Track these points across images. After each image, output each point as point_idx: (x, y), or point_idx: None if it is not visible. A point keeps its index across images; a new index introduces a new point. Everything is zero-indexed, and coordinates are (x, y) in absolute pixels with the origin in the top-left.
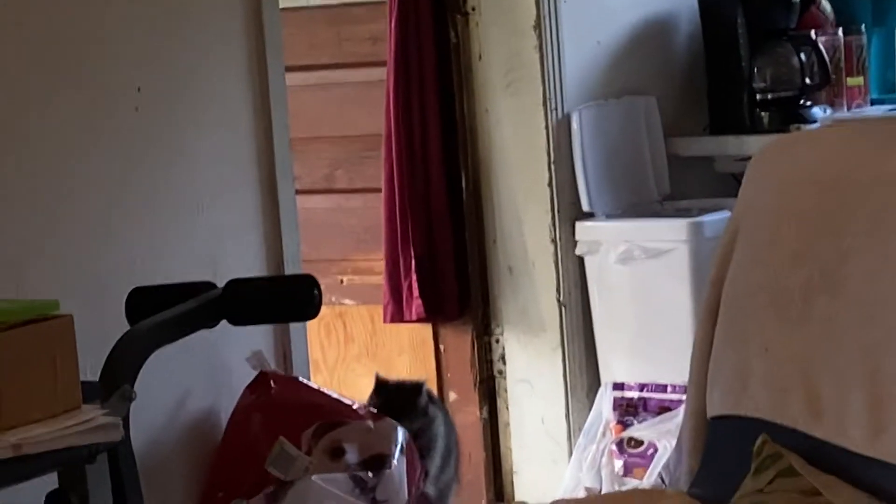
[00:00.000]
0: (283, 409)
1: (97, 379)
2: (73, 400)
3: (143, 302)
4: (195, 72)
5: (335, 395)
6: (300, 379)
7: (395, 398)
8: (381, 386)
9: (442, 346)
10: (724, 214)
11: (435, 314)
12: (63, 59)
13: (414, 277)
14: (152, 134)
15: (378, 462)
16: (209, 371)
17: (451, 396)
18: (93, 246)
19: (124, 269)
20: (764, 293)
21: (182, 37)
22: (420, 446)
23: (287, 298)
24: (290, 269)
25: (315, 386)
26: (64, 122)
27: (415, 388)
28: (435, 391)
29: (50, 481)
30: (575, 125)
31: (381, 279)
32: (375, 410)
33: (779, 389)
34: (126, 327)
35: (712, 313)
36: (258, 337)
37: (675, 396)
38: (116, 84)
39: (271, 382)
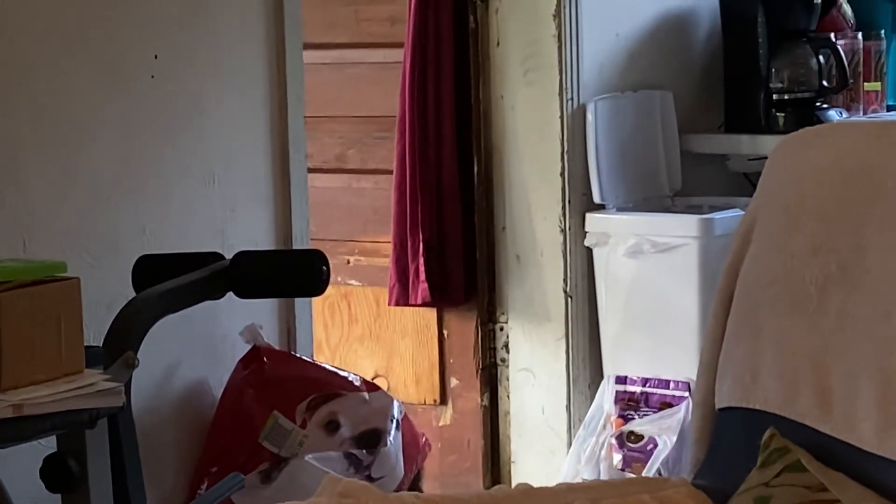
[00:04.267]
0: (277, 382)
1: (100, 344)
2: (77, 364)
3: (149, 270)
4: (213, 42)
5: (330, 367)
6: (293, 353)
7: None
8: None
9: (445, 332)
10: (735, 213)
11: (440, 299)
12: (81, 24)
13: (421, 261)
14: (167, 101)
15: (373, 438)
16: (209, 343)
17: (453, 382)
18: (103, 211)
19: (133, 235)
20: (779, 285)
21: (201, 6)
22: None
23: (295, 273)
24: (298, 246)
25: (308, 359)
26: (79, 87)
27: None
28: (437, 376)
29: (48, 445)
30: (590, 116)
31: (387, 261)
32: None
33: (789, 383)
34: (132, 294)
35: (725, 304)
36: (262, 312)
37: (677, 392)
38: (133, 50)
39: (264, 357)
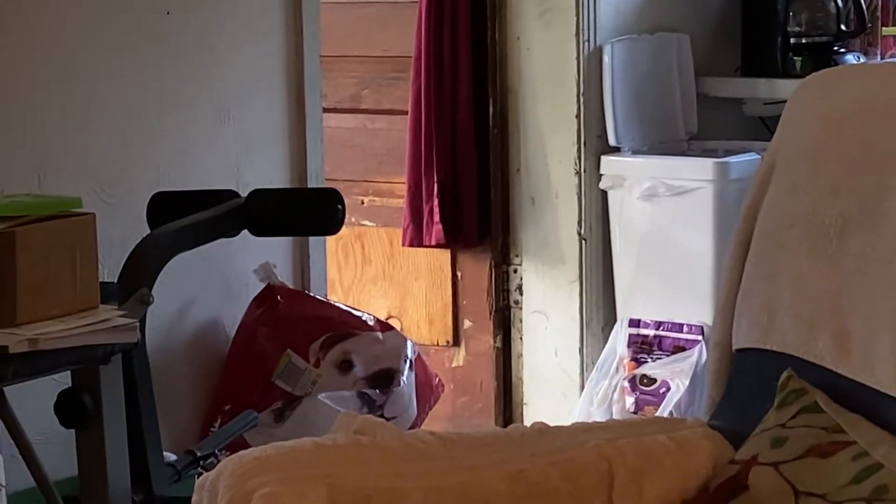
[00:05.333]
0: (290, 321)
1: (115, 281)
2: (91, 299)
3: (164, 207)
4: None
5: (344, 307)
6: (307, 292)
7: None
8: None
9: (459, 273)
10: (751, 156)
11: (454, 240)
12: None
13: (435, 202)
14: (182, 38)
15: (386, 378)
16: (222, 281)
17: (466, 324)
18: (117, 147)
19: (147, 172)
20: (798, 226)
21: None
22: None
23: (310, 211)
24: (312, 185)
25: (323, 298)
26: (94, 21)
27: None
28: (450, 318)
29: (62, 381)
30: (606, 58)
31: (401, 202)
32: None
33: (807, 325)
34: (146, 231)
35: (744, 245)
36: (276, 251)
37: (690, 336)
38: None
39: (278, 296)
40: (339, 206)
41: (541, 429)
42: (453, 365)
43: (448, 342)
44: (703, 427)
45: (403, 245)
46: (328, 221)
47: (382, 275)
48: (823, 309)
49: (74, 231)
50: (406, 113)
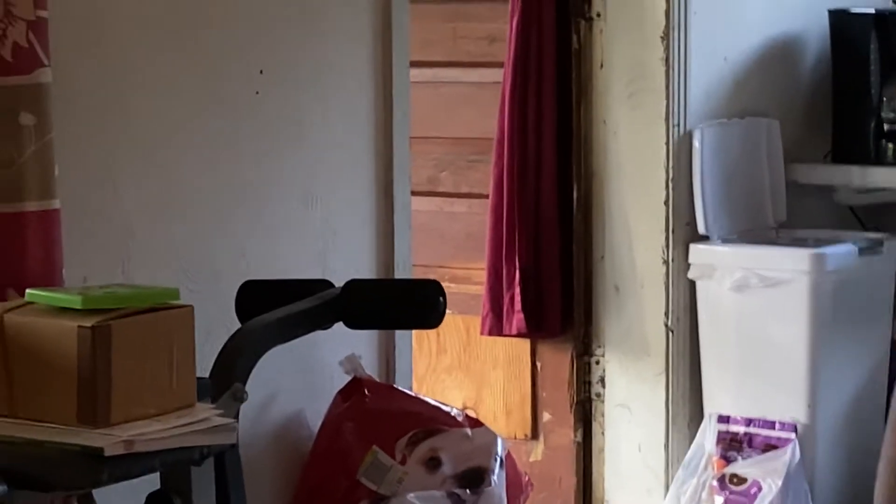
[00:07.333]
0: (377, 416)
1: (204, 376)
2: (188, 397)
3: (254, 296)
4: (319, 59)
5: (432, 402)
6: (394, 385)
7: None
8: None
9: (539, 364)
10: (846, 247)
11: (535, 329)
12: (184, 38)
13: (517, 290)
14: (271, 119)
15: (476, 476)
16: (307, 373)
17: (545, 417)
18: (203, 232)
19: (233, 259)
20: None
21: (308, 22)
22: None
23: (411, 304)
24: (399, 273)
25: (411, 392)
26: (182, 101)
27: None
28: (529, 410)
29: (147, 480)
30: (697, 143)
31: (479, 289)
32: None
33: None
34: (231, 321)
35: None
36: (360, 340)
37: (783, 434)
38: (238, 65)
39: (365, 390)
40: (441, 299)
41: None
42: (531, 459)
43: (526, 435)
44: None
45: (482, 334)
46: (429, 315)
47: (458, 364)
48: None
49: (172, 324)
50: (486, 196)
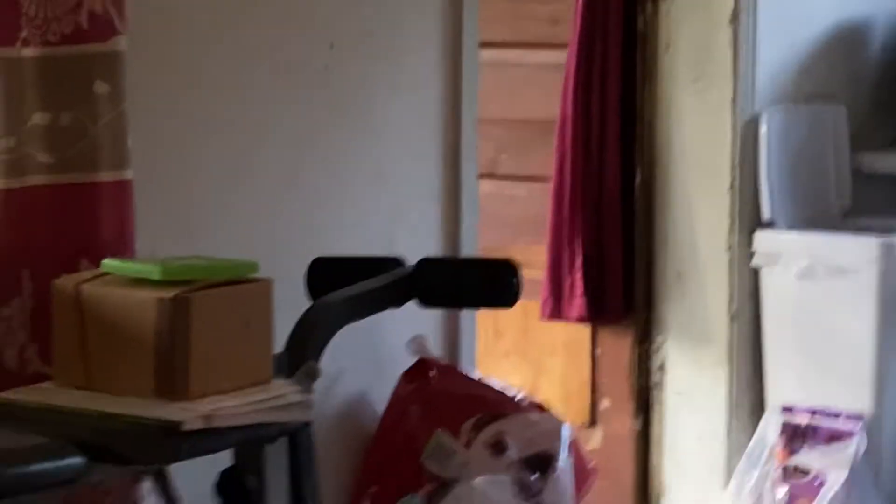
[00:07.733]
0: (442, 399)
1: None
2: (264, 373)
3: (325, 272)
4: (389, 34)
5: (498, 386)
6: (459, 368)
7: None
8: None
9: (598, 350)
10: None
11: (596, 315)
12: (258, 10)
13: (578, 275)
14: (340, 94)
15: (542, 461)
16: (372, 353)
17: (604, 404)
18: (273, 208)
19: (302, 235)
20: None
21: None
22: None
23: (485, 283)
24: (464, 252)
25: (476, 376)
26: (253, 75)
27: None
28: (588, 397)
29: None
30: (763, 128)
31: (538, 273)
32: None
33: None
34: (300, 297)
35: None
36: (425, 322)
37: (848, 425)
38: (309, 38)
39: (431, 371)
40: (515, 280)
41: None
42: (589, 447)
43: (584, 423)
44: None
45: (542, 318)
46: (504, 294)
47: (515, 349)
48: None
49: (251, 298)
50: (546, 180)
